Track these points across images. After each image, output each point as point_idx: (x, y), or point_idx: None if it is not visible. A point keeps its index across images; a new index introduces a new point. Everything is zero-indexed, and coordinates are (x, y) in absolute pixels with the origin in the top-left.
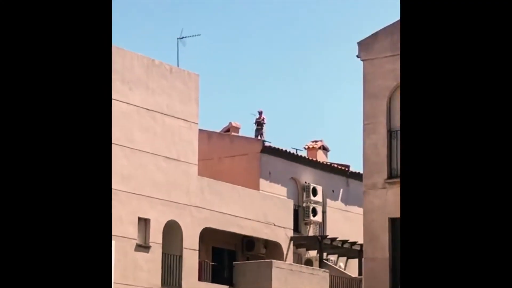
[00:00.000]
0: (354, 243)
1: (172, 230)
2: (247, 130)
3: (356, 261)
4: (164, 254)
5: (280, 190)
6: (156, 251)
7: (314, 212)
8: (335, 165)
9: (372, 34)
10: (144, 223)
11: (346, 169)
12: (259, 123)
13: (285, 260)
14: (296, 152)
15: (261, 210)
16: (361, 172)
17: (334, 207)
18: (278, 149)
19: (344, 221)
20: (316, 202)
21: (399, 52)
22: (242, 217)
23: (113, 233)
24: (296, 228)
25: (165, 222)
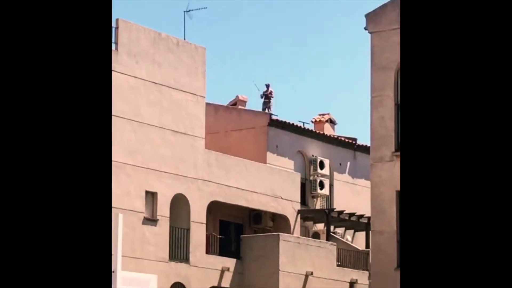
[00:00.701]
0: (361, 216)
1: (179, 204)
2: (254, 103)
3: (363, 234)
4: (171, 228)
5: (287, 164)
6: (164, 225)
7: (321, 185)
8: (342, 138)
9: (380, 6)
10: (151, 196)
11: (353, 142)
12: (267, 97)
13: (292, 233)
14: (303, 125)
15: (268, 184)
16: (369, 145)
17: (341, 180)
18: (285, 122)
19: (351, 194)
20: (323, 175)
21: None
22: (249, 191)
23: (120, 206)
24: (303, 201)
25: (172, 195)
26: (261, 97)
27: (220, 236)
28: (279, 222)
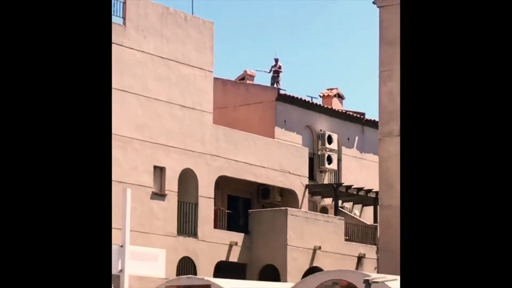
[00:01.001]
0: (369, 191)
1: (187, 179)
2: (262, 78)
3: (371, 208)
4: (179, 202)
5: (295, 138)
6: (172, 199)
7: (330, 160)
8: (351, 113)
9: None
10: (159, 171)
11: (362, 116)
12: (276, 71)
13: (300, 208)
14: (311, 100)
15: (276, 158)
16: (377, 119)
17: (350, 154)
18: (293, 97)
19: (359, 169)
20: (331, 150)
21: None
22: (257, 165)
23: (128, 181)
24: (311, 176)
25: (180, 170)
26: (270, 72)
27: (228, 211)
28: (287, 196)
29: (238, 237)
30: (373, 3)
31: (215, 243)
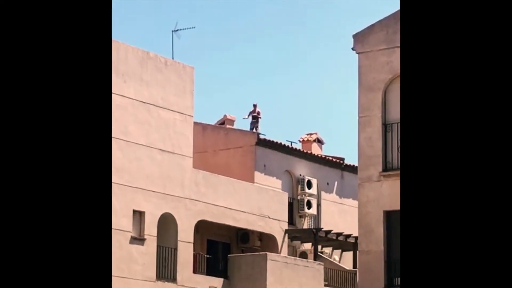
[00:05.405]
0: (348, 236)
1: (167, 223)
2: (242, 123)
3: (350, 253)
4: (159, 247)
5: (275, 183)
6: (151, 244)
7: (309, 205)
8: (330, 158)
9: (368, 27)
10: (139, 215)
11: (341, 161)
12: (254, 117)
13: (280, 253)
14: (291, 144)
15: (256, 203)
16: (356, 165)
17: (329, 199)
18: (273, 141)
19: (338, 214)
20: (311, 195)
21: (394, 45)
22: (237, 210)
23: None
24: (290, 221)
25: (160, 214)
26: (248, 117)
27: (208, 256)
28: (266, 241)
29: (217, 282)
30: (352, 49)
31: None
